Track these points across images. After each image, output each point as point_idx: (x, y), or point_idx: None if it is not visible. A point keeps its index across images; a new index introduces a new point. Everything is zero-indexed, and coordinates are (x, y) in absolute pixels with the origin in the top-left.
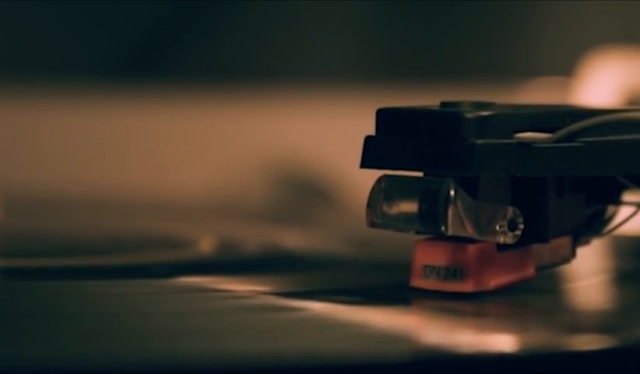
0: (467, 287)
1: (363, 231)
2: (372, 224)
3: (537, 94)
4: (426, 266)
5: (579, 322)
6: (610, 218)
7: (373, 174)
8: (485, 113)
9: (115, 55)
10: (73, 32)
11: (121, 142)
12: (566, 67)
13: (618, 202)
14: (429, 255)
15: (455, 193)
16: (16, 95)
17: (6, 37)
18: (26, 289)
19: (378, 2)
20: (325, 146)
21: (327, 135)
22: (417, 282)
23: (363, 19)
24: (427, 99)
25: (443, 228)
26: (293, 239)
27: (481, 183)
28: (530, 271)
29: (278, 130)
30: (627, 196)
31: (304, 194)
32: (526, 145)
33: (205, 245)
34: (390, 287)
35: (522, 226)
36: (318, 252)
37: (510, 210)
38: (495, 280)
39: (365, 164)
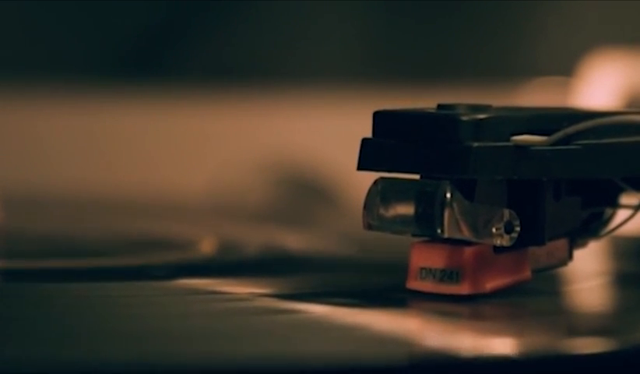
0: (463, 289)
1: (363, 232)
2: (369, 227)
3: (537, 95)
4: (422, 269)
5: (576, 325)
6: (607, 221)
7: (373, 176)
8: (481, 116)
9: (115, 55)
10: (73, 32)
11: (121, 142)
12: (566, 67)
13: (615, 204)
14: (425, 258)
15: (452, 196)
16: (16, 95)
17: (6, 37)
18: (25, 290)
19: (378, 3)
20: (325, 147)
21: (327, 135)
22: (414, 284)
23: (363, 20)
24: (427, 100)
25: (439, 231)
26: (293, 240)
27: (478, 186)
28: (527, 273)
29: (278, 131)
30: (624, 199)
31: (303, 195)
32: (523, 148)
33: (206, 246)
34: (387, 289)
35: (518, 228)
36: (317, 254)
37: (506, 213)
38: (492, 283)
39: (362, 166)
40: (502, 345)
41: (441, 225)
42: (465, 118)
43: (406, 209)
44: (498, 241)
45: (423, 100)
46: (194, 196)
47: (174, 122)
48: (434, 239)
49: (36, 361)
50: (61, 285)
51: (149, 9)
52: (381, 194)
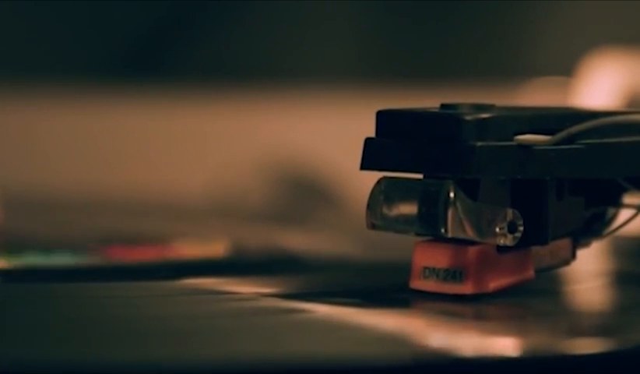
0: (467, 289)
1: (364, 232)
2: (372, 226)
3: (537, 95)
4: (426, 268)
5: (579, 325)
6: (610, 220)
7: (375, 175)
8: (485, 115)
9: (115, 55)
10: (73, 32)
11: (121, 142)
12: (566, 67)
13: (618, 204)
14: (429, 257)
15: (455, 195)
16: (16, 95)
17: (6, 37)
18: (25, 290)
19: (379, 3)
20: (326, 147)
21: (328, 135)
22: (417, 283)
23: (364, 20)
24: (429, 100)
25: (443, 230)
26: (295, 240)
27: (481, 185)
28: (530, 273)
29: (279, 130)
30: (627, 199)
31: (305, 195)
32: (526, 147)
33: (206, 247)
34: (390, 288)
35: (521, 228)
36: (320, 254)
37: (510, 212)
38: (495, 282)
39: (365, 165)
40: (505, 345)
41: (445, 225)
42: (468, 118)
43: (409, 209)
44: (502, 241)
45: (425, 100)
46: (194, 196)
47: (174, 122)
48: (438, 239)
49: (37, 362)
50: (60, 285)
51: (149, 9)
52: (384, 193)
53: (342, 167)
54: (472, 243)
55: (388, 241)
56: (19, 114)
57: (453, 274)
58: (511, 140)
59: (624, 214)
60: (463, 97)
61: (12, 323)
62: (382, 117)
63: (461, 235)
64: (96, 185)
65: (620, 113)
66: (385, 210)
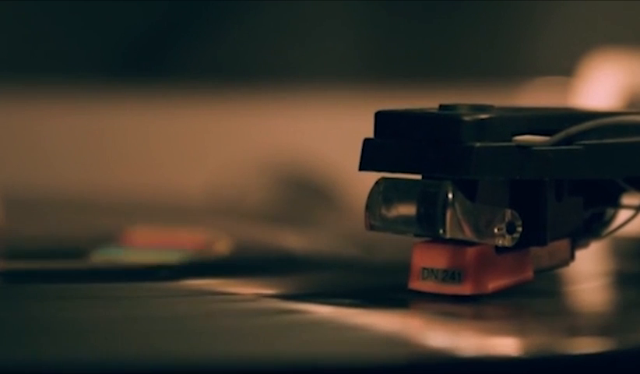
0: (465, 289)
1: (365, 233)
2: (371, 227)
3: (537, 95)
4: (424, 269)
5: (578, 325)
6: (609, 221)
7: (374, 176)
8: (483, 116)
9: (115, 55)
10: (73, 32)
11: (121, 142)
12: (566, 67)
13: (617, 205)
14: (427, 258)
15: (453, 196)
16: (16, 95)
17: (6, 37)
18: (26, 291)
19: (378, 3)
20: (325, 147)
21: (328, 136)
22: (416, 284)
23: (363, 20)
24: (429, 100)
25: (441, 231)
26: (294, 241)
27: (479, 186)
28: (529, 274)
29: (278, 131)
30: (626, 199)
31: (304, 195)
32: (525, 148)
33: (206, 247)
34: (389, 289)
35: (520, 229)
36: (319, 254)
37: (508, 213)
38: (494, 283)
39: (363, 166)
40: (504, 345)
41: (443, 225)
42: (467, 119)
43: (408, 210)
44: (500, 242)
45: (424, 101)
46: (194, 196)
47: (174, 122)
48: (436, 239)
49: (37, 362)
50: (61, 286)
51: (148, 10)
52: (383, 194)
53: (343, 167)
54: (470, 244)
55: (386, 242)
56: (19, 114)
57: (452, 275)
58: (510, 141)
59: (623, 215)
60: (463, 97)
61: (12, 323)
62: (381, 117)
63: (459, 236)
64: (95, 185)
65: (619, 113)
66: (384, 211)
